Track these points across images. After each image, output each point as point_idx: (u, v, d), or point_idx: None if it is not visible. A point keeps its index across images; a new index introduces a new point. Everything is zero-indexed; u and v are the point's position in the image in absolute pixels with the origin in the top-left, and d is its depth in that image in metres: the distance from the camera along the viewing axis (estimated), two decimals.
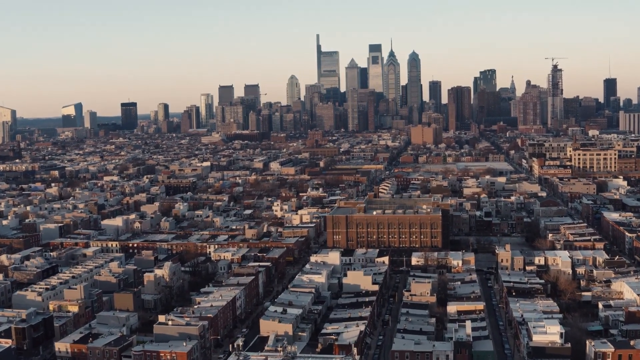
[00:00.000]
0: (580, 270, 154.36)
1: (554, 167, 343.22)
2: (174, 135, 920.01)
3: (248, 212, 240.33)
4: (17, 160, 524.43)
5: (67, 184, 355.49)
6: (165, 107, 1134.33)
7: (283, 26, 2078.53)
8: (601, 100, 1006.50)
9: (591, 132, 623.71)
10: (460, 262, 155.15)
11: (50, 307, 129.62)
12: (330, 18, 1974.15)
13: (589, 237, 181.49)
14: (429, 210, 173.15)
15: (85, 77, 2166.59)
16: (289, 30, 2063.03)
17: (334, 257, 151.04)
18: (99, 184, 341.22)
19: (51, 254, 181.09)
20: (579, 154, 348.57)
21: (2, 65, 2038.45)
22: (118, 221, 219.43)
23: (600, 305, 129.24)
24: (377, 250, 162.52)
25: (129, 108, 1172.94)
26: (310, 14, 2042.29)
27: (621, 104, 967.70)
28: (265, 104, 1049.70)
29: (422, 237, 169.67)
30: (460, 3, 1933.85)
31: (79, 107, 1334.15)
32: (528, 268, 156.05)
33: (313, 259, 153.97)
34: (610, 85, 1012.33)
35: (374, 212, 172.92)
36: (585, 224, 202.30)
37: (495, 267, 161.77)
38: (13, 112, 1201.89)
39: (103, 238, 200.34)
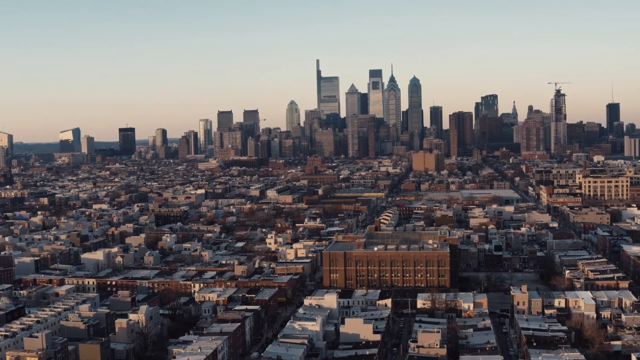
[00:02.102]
0: (606, 314, 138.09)
1: (563, 195, 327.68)
2: (171, 161, 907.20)
3: (240, 244, 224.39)
4: (7, 187, 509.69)
5: (53, 212, 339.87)
6: (164, 132, 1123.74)
7: (283, 51, 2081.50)
8: (604, 125, 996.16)
9: (596, 158, 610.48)
10: (471, 305, 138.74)
11: (7, 359, 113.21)
12: (330, 43, 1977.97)
13: (611, 275, 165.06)
14: (435, 245, 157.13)
15: (85, 102, 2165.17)
16: (289, 55, 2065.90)
17: (330, 300, 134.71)
18: (87, 213, 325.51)
19: (21, 292, 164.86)
20: (589, 182, 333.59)
21: (1, 90, 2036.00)
22: (99, 255, 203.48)
23: (633, 358, 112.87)
24: (379, 291, 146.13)
25: (127, 133, 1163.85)
26: (310, 39, 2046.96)
27: (624, 129, 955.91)
28: (264, 130, 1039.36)
29: (428, 275, 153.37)
30: (461, 28, 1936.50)
31: (76, 132, 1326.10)
32: (547, 311, 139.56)
33: (307, 301, 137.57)
34: (613, 110, 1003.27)
35: (375, 248, 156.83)
36: (605, 259, 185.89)
37: (510, 309, 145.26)
38: (10, 137, 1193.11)
39: (80, 274, 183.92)
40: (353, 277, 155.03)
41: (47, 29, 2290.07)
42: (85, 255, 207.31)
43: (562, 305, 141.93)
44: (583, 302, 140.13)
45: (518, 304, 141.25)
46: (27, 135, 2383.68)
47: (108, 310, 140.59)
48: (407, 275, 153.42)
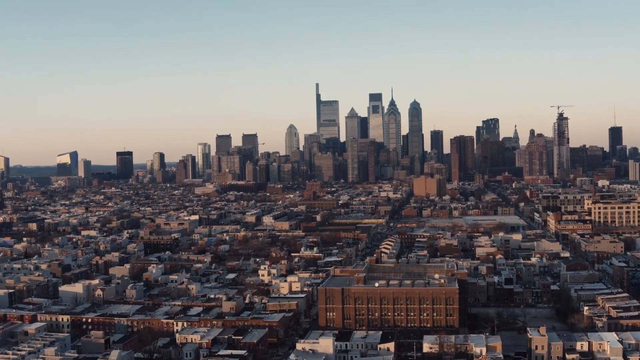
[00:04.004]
0: (634, 358, 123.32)
1: (572, 222, 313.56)
2: (168, 185, 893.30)
3: (231, 276, 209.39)
4: None
5: (39, 238, 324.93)
6: (161, 156, 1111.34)
7: (282, 75, 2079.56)
8: (606, 149, 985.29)
9: (601, 182, 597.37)
10: (484, 350, 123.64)
11: None
12: (330, 67, 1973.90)
13: (636, 313, 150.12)
14: (442, 281, 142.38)
15: (83, 125, 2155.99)
16: (289, 79, 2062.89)
17: (325, 345, 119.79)
18: (74, 239, 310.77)
19: None
20: (598, 208, 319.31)
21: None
22: (78, 287, 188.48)
23: None
24: (381, 332, 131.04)
25: (124, 157, 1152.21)
26: (310, 63, 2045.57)
27: (627, 152, 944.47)
28: (263, 154, 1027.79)
29: (434, 314, 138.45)
30: (461, 52, 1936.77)
31: (74, 155, 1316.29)
32: (568, 356, 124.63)
33: (300, 346, 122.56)
34: (615, 133, 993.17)
35: (376, 284, 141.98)
36: (627, 295, 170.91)
37: (527, 354, 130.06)
38: (6, 160, 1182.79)
39: (55, 309, 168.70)
40: (352, 316, 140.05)
41: (45, 52, 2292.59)
42: (64, 288, 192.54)
43: (585, 349, 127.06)
44: (608, 345, 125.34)
45: (536, 347, 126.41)
46: (26, 159, 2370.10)
47: (77, 355, 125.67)
48: (412, 314, 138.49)
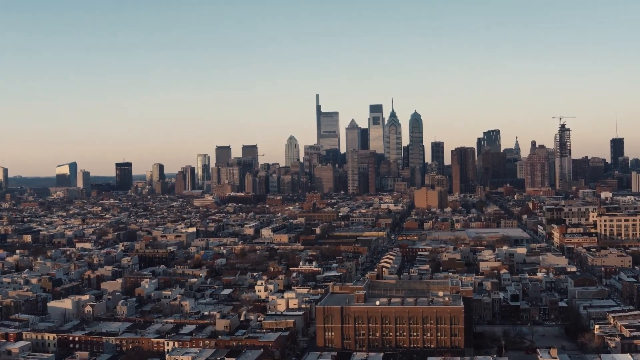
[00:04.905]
0: None
1: (577, 234, 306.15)
2: (167, 197, 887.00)
3: (227, 291, 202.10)
4: None
5: (32, 251, 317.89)
6: (160, 167, 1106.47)
7: (282, 86, 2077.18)
8: (608, 160, 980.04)
9: (603, 194, 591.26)
10: None
11: None
12: (330, 78, 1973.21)
13: None
14: (447, 299, 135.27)
15: (82, 136, 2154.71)
16: (289, 90, 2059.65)
17: None
18: (67, 252, 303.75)
19: None
20: (604, 220, 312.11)
21: None
22: (67, 303, 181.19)
23: None
24: (382, 354, 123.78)
25: (124, 168, 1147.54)
26: (310, 74, 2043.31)
27: (629, 164, 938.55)
28: (263, 165, 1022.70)
29: (439, 334, 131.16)
30: (462, 63, 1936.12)
31: (73, 166, 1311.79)
32: None
33: None
34: (617, 145, 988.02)
35: (377, 302, 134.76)
36: (639, 312, 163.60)
37: None
38: (5, 171, 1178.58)
39: (41, 327, 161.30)
40: (351, 336, 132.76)
41: (45, 63, 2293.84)
42: (53, 304, 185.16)
43: None
44: None
45: None
46: (26, 169, 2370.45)
47: None
48: (415, 334, 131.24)
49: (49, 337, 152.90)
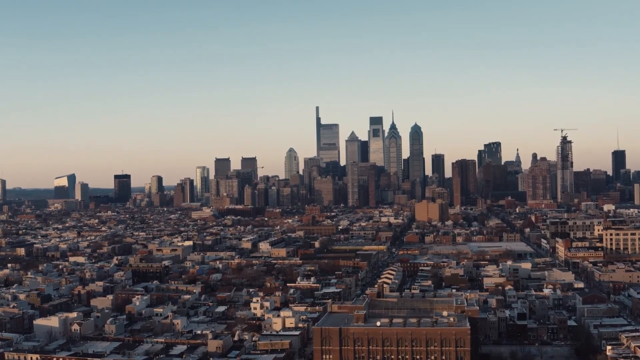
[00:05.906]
0: None
1: (582, 249, 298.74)
2: (165, 209, 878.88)
3: (221, 309, 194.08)
4: None
5: (24, 265, 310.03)
6: (159, 179, 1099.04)
7: (282, 98, 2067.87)
8: (609, 172, 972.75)
9: (606, 207, 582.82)
10: None
11: None
12: (330, 90, 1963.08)
13: None
14: (452, 319, 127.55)
15: (81, 148, 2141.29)
16: (288, 102, 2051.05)
17: None
18: (60, 266, 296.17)
19: None
20: (610, 234, 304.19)
21: None
22: (54, 321, 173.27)
23: None
24: None
25: (122, 180, 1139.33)
26: (310, 86, 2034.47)
27: (631, 176, 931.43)
28: (262, 178, 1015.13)
29: (443, 357, 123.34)
30: (463, 75, 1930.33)
31: (72, 178, 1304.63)
32: None
33: None
34: (619, 157, 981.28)
35: (378, 322, 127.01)
36: None
37: None
38: (3, 182, 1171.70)
39: (25, 347, 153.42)
40: (351, 359, 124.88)
41: (44, 75, 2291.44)
42: (39, 322, 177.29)
43: None
44: None
45: None
46: (25, 181, 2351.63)
47: None
48: (418, 357, 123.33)
49: (32, 357, 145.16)
